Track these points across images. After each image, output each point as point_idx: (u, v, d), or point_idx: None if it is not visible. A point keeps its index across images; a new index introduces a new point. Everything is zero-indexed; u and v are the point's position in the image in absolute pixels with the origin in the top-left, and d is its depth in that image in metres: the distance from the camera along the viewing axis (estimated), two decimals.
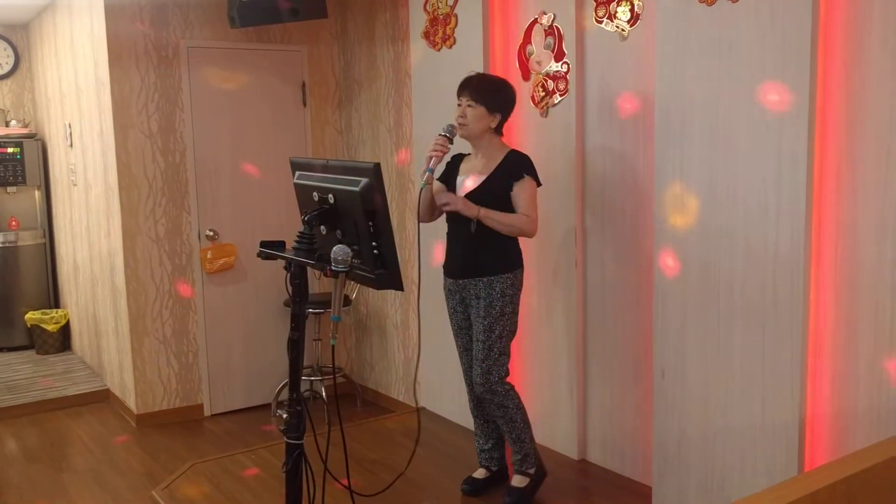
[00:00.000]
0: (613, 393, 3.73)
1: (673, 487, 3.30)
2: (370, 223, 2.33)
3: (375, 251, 2.35)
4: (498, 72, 4.02)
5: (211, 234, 4.98)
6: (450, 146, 3.29)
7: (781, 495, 1.95)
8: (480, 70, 3.88)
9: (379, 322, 5.24)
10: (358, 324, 5.46)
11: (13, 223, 6.66)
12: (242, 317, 5.14)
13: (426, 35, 4.43)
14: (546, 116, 3.85)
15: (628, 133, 3.52)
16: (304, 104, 5.27)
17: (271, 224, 5.14)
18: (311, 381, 5.02)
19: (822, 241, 2.79)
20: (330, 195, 2.46)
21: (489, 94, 3.29)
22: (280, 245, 2.57)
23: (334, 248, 2.32)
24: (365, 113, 5.17)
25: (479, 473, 3.60)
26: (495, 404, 3.36)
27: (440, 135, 3.27)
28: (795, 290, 2.79)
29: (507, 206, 3.27)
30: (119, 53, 4.68)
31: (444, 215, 3.45)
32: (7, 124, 6.75)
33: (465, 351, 3.50)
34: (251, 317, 5.16)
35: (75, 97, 5.58)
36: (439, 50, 4.35)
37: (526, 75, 3.92)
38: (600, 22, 3.58)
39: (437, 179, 3.44)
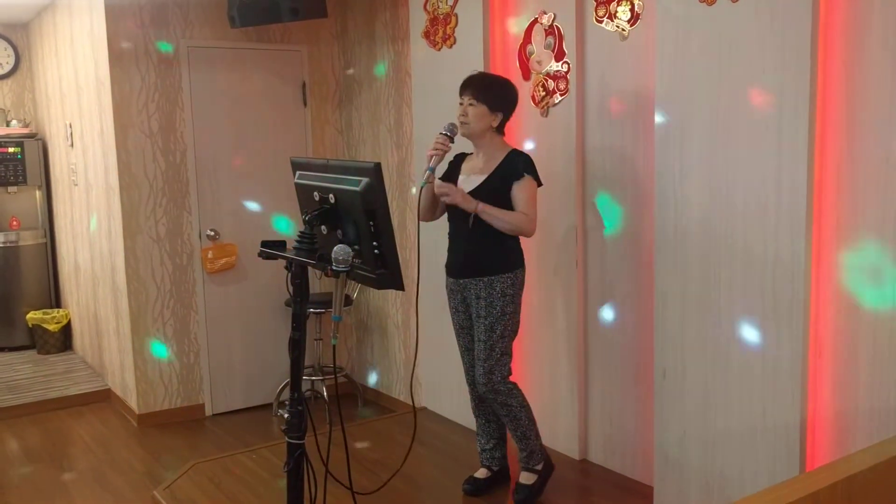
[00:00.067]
0: (614, 393, 3.73)
1: (674, 487, 3.30)
2: (371, 223, 2.33)
3: (376, 251, 2.35)
4: (498, 71, 4.01)
5: (212, 233, 4.98)
6: (451, 145, 3.29)
7: (782, 495, 1.95)
8: (481, 70, 3.88)
9: (380, 322, 5.24)
10: (359, 323, 5.46)
11: (14, 223, 6.66)
12: (243, 317, 5.14)
13: (426, 34, 4.43)
14: (546, 116, 3.85)
15: (628, 133, 3.52)
16: (305, 104, 5.28)
17: (272, 224, 5.14)
18: (313, 380, 5.02)
19: (822, 240, 2.79)
20: (330, 195, 2.46)
21: (491, 92, 3.29)
22: (281, 245, 2.57)
23: (335, 248, 2.32)
24: (365, 112, 5.17)
25: (481, 473, 3.60)
26: (499, 403, 3.36)
27: (441, 133, 3.27)
28: (796, 290, 2.79)
29: (507, 206, 3.27)
30: (119, 53, 4.68)
31: (445, 214, 3.45)
32: (7, 124, 6.76)
33: (466, 350, 3.50)
34: (252, 317, 5.16)
35: (76, 97, 5.58)
36: (439, 49, 4.35)
37: (526, 75, 3.92)
38: (600, 22, 3.58)
39: (439, 178, 3.44)
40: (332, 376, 4.75)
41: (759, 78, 2.84)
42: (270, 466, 3.91)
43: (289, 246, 2.55)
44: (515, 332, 3.38)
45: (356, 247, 2.39)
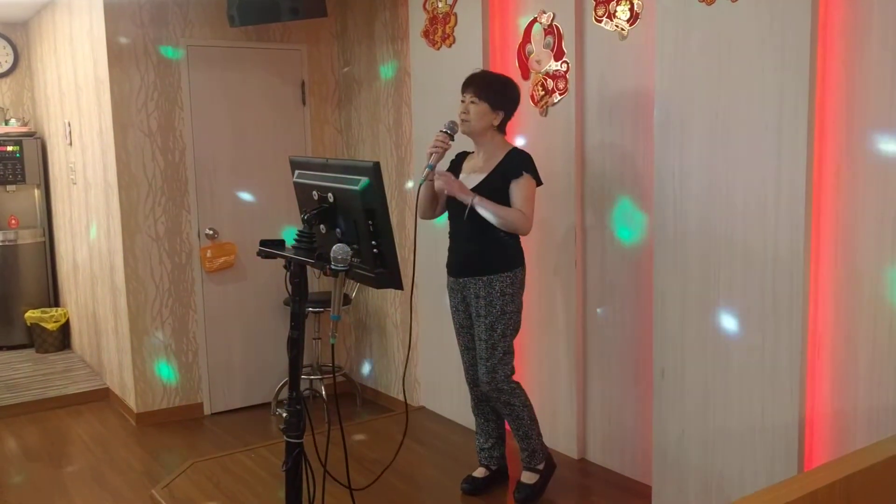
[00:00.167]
0: (613, 392, 3.73)
1: (673, 487, 3.30)
2: (370, 222, 2.33)
3: (375, 250, 2.35)
4: (497, 71, 4.01)
5: (210, 232, 4.98)
6: (451, 143, 3.29)
7: (780, 495, 1.95)
8: (480, 69, 3.88)
9: (379, 321, 5.24)
10: (358, 323, 5.46)
11: (13, 222, 6.66)
12: (242, 316, 5.14)
13: (426, 34, 4.43)
14: (546, 115, 3.85)
15: (628, 132, 3.52)
16: (304, 103, 5.27)
17: (271, 223, 5.14)
18: (311, 380, 5.02)
19: (821, 240, 2.79)
20: (329, 194, 2.46)
21: (493, 91, 3.29)
22: (280, 244, 2.57)
23: (334, 247, 2.32)
24: (364, 112, 5.17)
25: (479, 472, 3.60)
26: (502, 402, 3.36)
27: (441, 131, 3.27)
28: (795, 290, 2.79)
29: (507, 204, 3.26)
30: (118, 52, 4.68)
31: (445, 213, 3.45)
32: (6, 123, 6.75)
33: (465, 350, 3.50)
34: (251, 316, 5.16)
35: (75, 96, 5.58)
36: (439, 49, 4.35)
37: (525, 74, 3.92)
38: (600, 21, 3.58)
39: None
40: (331, 375, 4.75)
41: (758, 77, 2.84)
42: (269, 465, 3.91)
43: (287, 245, 2.55)
44: (517, 331, 3.38)
45: (355, 246, 2.38)
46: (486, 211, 3.21)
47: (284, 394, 4.71)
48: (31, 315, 6.39)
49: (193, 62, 4.87)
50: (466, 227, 3.31)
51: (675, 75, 3.12)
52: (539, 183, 3.32)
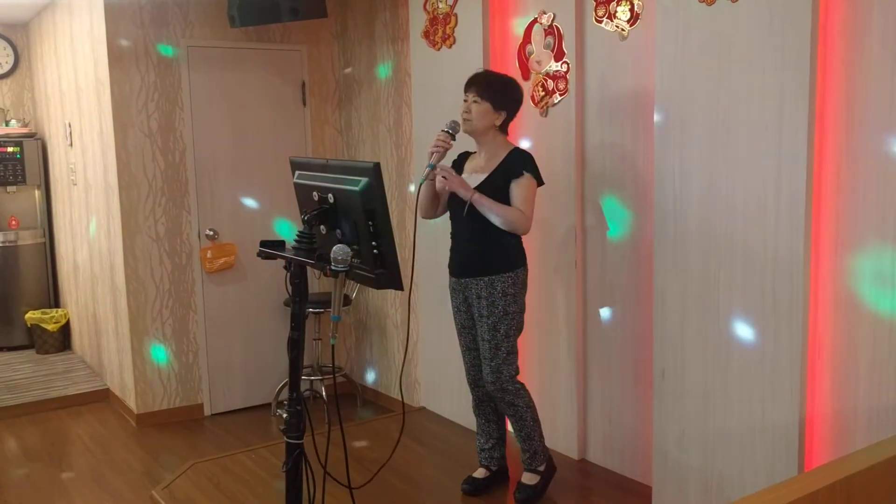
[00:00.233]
0: (613, 392, 3.73)
1: (673, 487, 3.30)
2: (370, 223, 2.33)
3: (375, 251, 2.35)
4: (497, 71, 4.01)
5: (211, 233, 4.98)
6: (452, 142, 3.28)
7: (781, 495, 1.95)
8: (480, 69, 3.88)
9: (379, 322, 5.24)
10: (358, 323, 5.46)
11: (13, 222, 6.66)
12: (242, 316, 5.14)
13: (426, 34, 4.43)
14: (546, 116, 3.85)
15: (628, 132, 3.52)
16: (304, 104, 5.28)
17: (271, 223, 5.14)
18: (311, 380, 5.02)
19: (821, 240, 2.79)
20: (330, 195, 2.46)
21: (496, 91, 3.29)
22: (280, 245, 2.57)
23: (334, 248, 2.32)
24: (365, 112, 5.17)
25: (480, 473, 3.60)
26: (506, 403, 3.36)
27: (442, 130, 3.27)
28: (795, 290, 2.79)
29: (507, 204, 3.26)
30: (119, 53, 4.68)
31: (447, 213, 3.45)
32: (7, 123, 6.76)
33: (467, 350, 3.50)
34: (251, 316, 5.16)
35: (75, 96, 5.58)
36: (439, 49, 4.35)
37: (526, 75, 3.92)
38: (600, 21, 3.58)
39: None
40: (331, 376, 4.75)
41: (758, 77, 2.84)
42: (269, 466, 3.91)
43: (287, 245, 2.55)
44: (520, 331, 3.38)
45: (355, 246, 2.39)
46: (485, 208, 3.21)
47: (285, 394, 4.71)
48: (32, 316, 6.40)
49: (194, 63, 4.87)
50: (468, 228, 3.31)
51: (676, 75, 3.12)
52: (540, 183, 3.32)
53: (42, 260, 6.72)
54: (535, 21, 3.85)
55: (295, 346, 2.49)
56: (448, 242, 3.47)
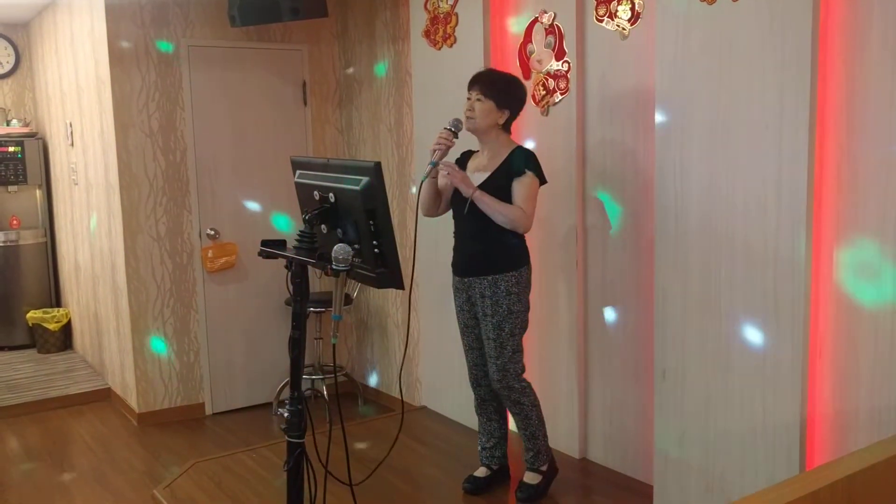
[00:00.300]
0: (614, 391, 3.73)
1: (674, 486, 3.30)
2: (371, 222, 2.33)
3: (376, 250, 2.35)
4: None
5: (212, 233, 4.98)
6: (454, 140, 3.28)
7: (782, 494, 1.95)
8: (481, 69, 3.88)
9: (380, 321, 5.24)
10: (359, 322, 5.46)
11: (14, 222, 6.66)
12: (243, 316, 5.14)
13: (427, 34, 4.43)
14: (547, 115, 3.85)
15: (629, 132, 3.52)
16: (305, 103, 5.28)
17: (271, 222, 5.14)
18: (313, 379, 5.02)
19: (822, 239, 2.79)
20: (331, 194, 2.46)
21: (499, 89, 3.29)
22: (281, 244, 2.57)
23: (335, 247, 2.32)
24: (365, 112, 5.17)
25: (481, 472, 3.60)
26: (511, 401, 3.37)
27: (445, 128, 3.27)
28: (796, 290, 2.79)
29: (510, 203, 3.26)
30: (119, 52, 4.68)
31: (449, 212, 3.45)
32: (8, 123, 6.76)
33: (470, 349, 3.50)
34: (252, 316, 5.16)
35: (76, 96, 5.59)
36: (440, 49, 4.35)
37: (527, 74, 3.92)
38: (601, 21, 3.58)
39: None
40: (332, 375, 4.75)
41: (759, 77, 2.84)
42: (270, 465, 3.91)
43: (289, 245, 2.55)
44: (524, 329, 3.38)
45: (356, 246, 2.39)
46: (485, 206, 3.21)
47: (286, 394, 4.70)
48: (33, 315, 6.40)
49: (194, 62, 4.87)
50: (471, 226, 3.30)
51: (676, 75, 3.12)
52: (543, 181, 3.32)
53: (43, 259, 6.73)
54: (535, 20, 3.85)
55: (296, 345, 2.49)
56: (450, 241, 3.48)
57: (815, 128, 2.73)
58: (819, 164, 2.76)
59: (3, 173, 6.50)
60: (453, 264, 3.46)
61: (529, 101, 3.88)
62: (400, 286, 2.40)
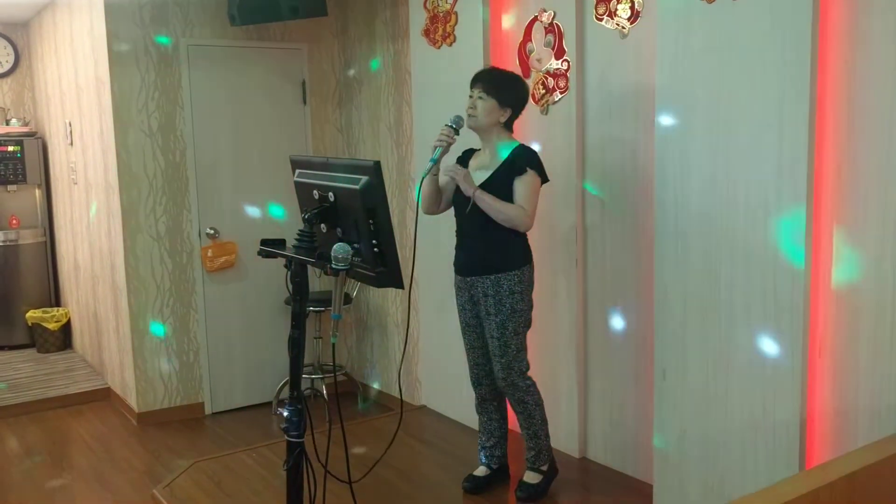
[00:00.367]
0: (614, 391, 3.73)
1: (674, 486, 3.30)
2: (370, 221, 2.33)
3: (376, 249, 2.35)
4: None
5: (211, 232, 4.98)
6: (455, 137, 3.28)
7: (782, 493, 1.95)
8: (480, 68, 3.88)
9: (380, 320, 5.24)
10: (359, 322, 5.46)
11: (14, 222, 6.66)
12: (243, 315, 5.14)
13: (426, 33, 4.42)
14: (546, 114, 3.85)
15: (629, 131, 3.52)
16: (305, 102, 5.27)
17: (271, 222, 5.14)
18: (312, 379, 5.02)
19: (822, 238, 2.79)
20: (330, 193, 2.46)
21: (502, 87, 3.28)
22: (280, 243, 2.57)
23: (334, 247, 2.32)
24: (365, 111, 5.17)
25: (480, 471, 3.60)
26: (515, 400, 3.37)
27: (446, 125, 3.27)
28: (796, 289, 2.79)
29: (512, 201, 3.26)
30: (119, 52, 4.68)
31: (450, 210, 3.44)
32: (7, 123, 6.76)
33: (471, 348, 3.49)
34: (252, 315, 5.16)
35: (75, 95, 5.58)
36: (439, 48, 4.34)
37: (526, 73, 3.92)
38: (600, 19, 3.57)
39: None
40: (332, 375, 4.75)
41: (759, 75, 2.83)
42: (270, 465, 3.91)
43: (288, 244, 2.55)
44: (528, 327, 3.39)
45: (356, 245, 2.38)
46: (486, 205, 3.21)
47: (285, 393, 4.70)
48: (33, 315, 6.40)
49: (194, 61, 4.87)
50: (473, 225, 3.30)
51: (676, 74, 3.12)
52: (545, 180, 3.31)
53: (43, 259, 6.72)
54: (535, 19, 3.85)
55: (296, 344, 2.49)
56: (450, 240, 3.47)
57: (814, 126, 2.72)
58: (819, 161, 2.76)
59: (2, 173, 6.50)
60: (455, 263, 3.45)
61: (529, 100, 3.88)
62: (399, 285, 2.40)
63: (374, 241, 2.34)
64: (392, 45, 4.84)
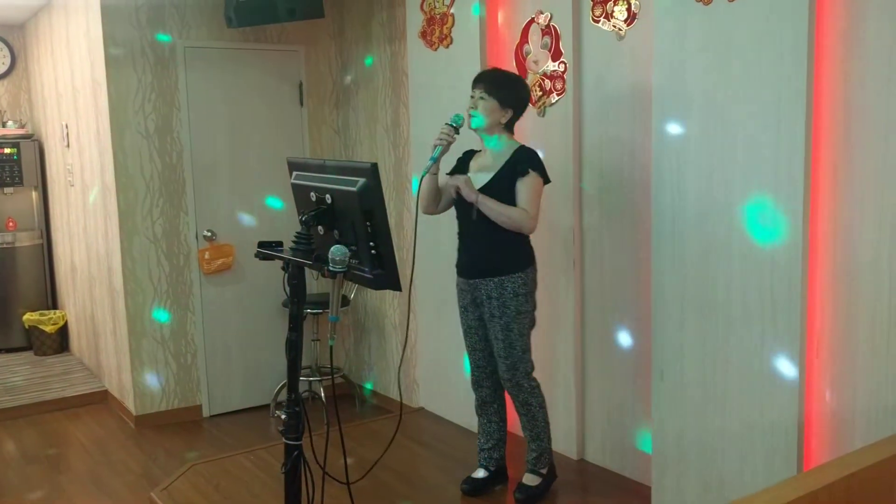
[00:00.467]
0: (612, 392, 3.73)
1: (672, 487, 3.30)
2: (368, 223, 2.33)
3: (373, 251, 2.35)
4: None
5: (208, 234, 4.97)
6: (456, 136, 3.27)
7: (780, 495, 1.95)
8: (478, 70, 3.88)
9: (377, 322, 5.24)
10: (356, 324, 5.46)
11: (10, 224, 6.65)
12: (240, 317, 5.13)
13: (423, 35, 4.42)
14: (543, 116, 3.85)
15: (625, 132, 3.52)
16: (302, 104, 5.27)
17: (269, 224, 5.14)
18: (310, 381, 5.01)
19: (819, 240, 2.79)
20: (327, 195, 2.46)
21: (504, 88, 3.28)
22: (278, 245, 2.56)
23: (332, 249, 2.32)
24: (362, 113, 5.17)
25: (479, 473, 3.60)
26: (520, 401, 3.37)
27: (447, 124, 3.26)
28: (793, 290, 2.79)
29: (514, 203, 3.24)
30: (115, 54, 4.67)
31: (449, 210, 3.44)
32: (4, 125, 6.75)
33: (473, 350, 3.49)
34: (249, 317, 5.16)
35: (72, 98, 5.58)
36: (436, 49, 4.34)
37: (523, 75, 3.91)
38: (597, 21, 3.58)
39: (447, 174, 3.44)
40: (330, 377, 4.74)
41: (755, 76, 2.84)
42: (268, 467, 3.90)
43: (285, 246, 2.54)
44: (533, 326, 3.39)
45: (353, 247, 2.38)
46: (489, 210, 3.20)
47: (283, 395, 4.70)
48: (30, 317, 6.39)
49: (191, 63, 4.86)
50: (476, 228, 3.29)
51: (673, 75, 3.12)
52: (547, 181, 3.31)
53: (40, 261, 6.71)
54: (532, 21, 3.85)
55: (293, 346, 2.49)
56: (448, 242, 3.47)
57: (811, 127, 2.73)
58: (815, 163, 2.76)
59: None
60: (458, 265, 3.44)
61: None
62: (397, 288, 2.40)
63: (371, 244, 2.34)
64: (389, 47, 4.84)
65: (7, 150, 6.50)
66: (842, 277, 2.74)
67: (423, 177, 3.32)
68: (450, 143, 3.26)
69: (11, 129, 6.68)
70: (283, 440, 2.50)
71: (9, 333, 6.56)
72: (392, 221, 4.75)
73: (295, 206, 2.74)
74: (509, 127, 3.34)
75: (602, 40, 3.57)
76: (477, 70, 3.87)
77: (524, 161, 3.26)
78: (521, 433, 3.56)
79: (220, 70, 4.96)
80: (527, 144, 3.86)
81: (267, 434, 4.73)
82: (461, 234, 3.41)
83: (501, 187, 3.24)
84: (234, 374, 5.13)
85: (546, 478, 3.48)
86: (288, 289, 2.47)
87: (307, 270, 2.50)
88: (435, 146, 3.24)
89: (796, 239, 2.76)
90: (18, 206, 6.69)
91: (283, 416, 2.49)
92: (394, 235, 2.84)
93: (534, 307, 3.38)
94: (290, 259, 2.44)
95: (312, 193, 2.53)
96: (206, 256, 4.96)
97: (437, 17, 4.31)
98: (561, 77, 3.73)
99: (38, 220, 6.75)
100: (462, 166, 3.45)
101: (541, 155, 3.40)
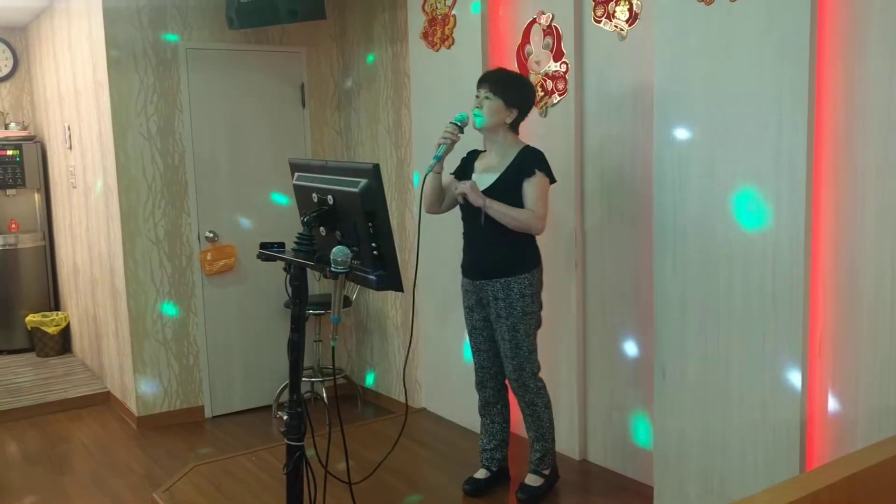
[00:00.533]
0: (614, 393, 3.73)
1: (674, 487, 3.30)
2: (370, 224, 2.33)
3: (375, 252, 2.35)
4: None
5: (211, 235, 4.98)
6: (460, 135, 3.27)
7: (782, 495, 1.94)
8: (479, 70, 3.88)
9: (379, 323, 5.24)
10: (358, 325, 5.46)
11: (13, 226, 6.66)
12: (242, 318, 5.13)
13: (425, 35, 4.43)
14: (545, 116, 3.85)
15: (627, 133, 3.52)
16: (303, 105, 5.28)
17: (271, 225, 5.14)
18: (312, 382, 5.02)
19: (821, 238, 2.79)
20: (329, 196, 2.46)
21: (509, 88, 3.27)
22: (280, 246, 2.57)
23: (334, 250, 2.32)
24: (364, 114, 5.17)
25: (481, 474, 3.59)
26: (525, 401, 3.36)
27: (451, 123, 3.26)
28: (795, 290, 2.79)
29: (520, 204, 3.24)
30: (117, 55, 4.68)
31: (453, 209, 3.44)
32: (6, 127, 6.76)
33: (477, 351, 3.48)
34: (251, 318, 5.16)
35: (74, 99, 5.58)
36: (438, 50, 4.34)
37: (525, 75, 3.92)
38: (599, 21, 3.58)
39: (451, 174, 3.43)
40: (332, 378, 4.74)
41: (757, 76, 2.84)
42: (270, 468, 3.90)
43: (287, 247, 2.55)
44: (539, 326, 3.38)
45: (355, 248, 2.38)
46: (498, 214, 3.20)
47: (285, 396, 4.70)
48: (32, 319, 6.39)
49: (192, 65, 4.87)
50: (482, 229, 3.27)
51: (675, 75, 3.12)
52: (553, 180, 3.30)
53: (42, 263, 6.72)
54: (533, 21, 3.85)
55: (295, 347, 2.49)
56: (450, 243, 3.47)
57: (813, 126, 2.73)
58: (818, 162, 2.76)
59: (1, 177, 6.49)
60: (463, 266, 3.44)
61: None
62: (399, 288, 2.40)
63: (373, 244, 2.34)
64: (391, 48, 4.84)
65: (10, 152, 6.51)
66: (844, 277, 2.74)
67: (426, 175, 3.32)
68: (454, 142, 3.25)
69: (14, 131, 6.69)
70: (285, 441, 2.50)
71: (11, 335, 6.57)
72: (394, 222, 4.76)
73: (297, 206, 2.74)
74: (514, 127, 3.34)
75: (604, 40, 3.57)
76: (479, 71, 3.88)
77: (530, 161, 3.25)
78: (523, 433, 3.56)
79: (221, 71, 4.97)
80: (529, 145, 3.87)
81: (269, 435, 4.73)
82: (467, 235, 3.41)
83: (507, 188, 3.24)
84: (236, 375, 5.14)
85: (549, 479, 3.48)
86: (290, 290, 2.47)
87: (309, 271, 2.50)
88: (439, 145, 3.24)
89: (798, 238, 2.76)
90: (21, 207, 6.70)
91: (284, 417, 2.50)
92: (395, 236, 2.84)
93: (540, 307, 3.38)
94: (292, 260, 2.44)
95: (314, 194, 2.53)
96: (208, 258, 4.96)
97: (439, 17, 4.31)
98: (563, 77, 3.73)
99: (40, 222, 6.76)
100: (466, 167, 3.44)
101: None
